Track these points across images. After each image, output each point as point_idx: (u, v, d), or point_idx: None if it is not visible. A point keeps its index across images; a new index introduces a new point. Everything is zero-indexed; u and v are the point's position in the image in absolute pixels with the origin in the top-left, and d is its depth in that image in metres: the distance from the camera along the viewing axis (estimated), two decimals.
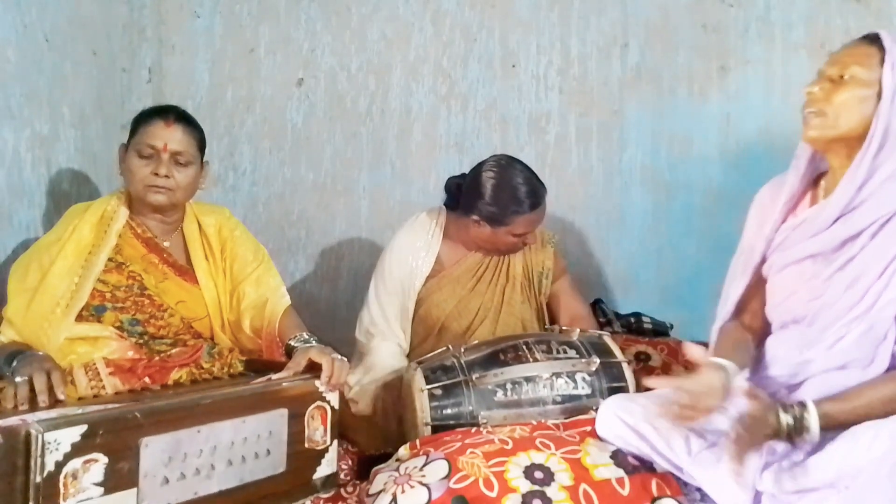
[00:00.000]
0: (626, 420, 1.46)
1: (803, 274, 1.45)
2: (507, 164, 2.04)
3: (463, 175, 2.11)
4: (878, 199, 1.37)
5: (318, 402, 1.53)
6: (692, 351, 1.36)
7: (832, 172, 1.47)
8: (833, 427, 1.27)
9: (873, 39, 1.40)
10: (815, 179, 1.54)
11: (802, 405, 1.28)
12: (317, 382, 1.54)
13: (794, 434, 1.27)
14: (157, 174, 1.71)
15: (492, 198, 1.98)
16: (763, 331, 1.56)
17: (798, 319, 1.46)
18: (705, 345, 2.08)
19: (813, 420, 1.26)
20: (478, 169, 2.06)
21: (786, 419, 1.27)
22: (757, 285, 1.56)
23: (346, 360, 1.61)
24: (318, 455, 1.53)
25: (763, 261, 1.54)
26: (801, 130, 1.45)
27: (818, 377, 1.38)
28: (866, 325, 1.34)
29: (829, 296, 1.40)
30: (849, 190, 1.38)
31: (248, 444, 1.41)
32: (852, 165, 1.39)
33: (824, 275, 1.41)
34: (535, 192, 2.00)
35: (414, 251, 2.08)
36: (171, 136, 1.73)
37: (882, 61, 1.36)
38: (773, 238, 1.52)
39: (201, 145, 1.83)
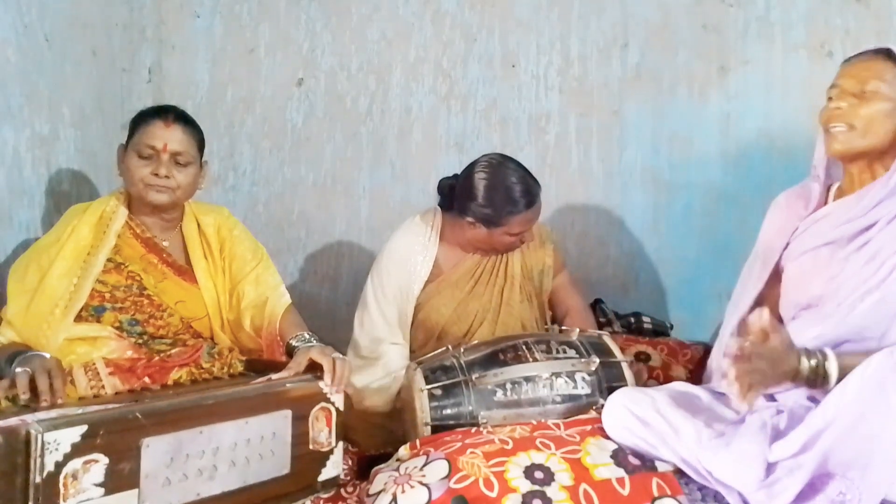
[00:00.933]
0: (634, 410, 1.47)
1: (819, 259, 1.53)
2: (498, 164, 1.99)
3: (455, 176, 2.08)
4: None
5: (323, 404, 1.52)
6: (757, 318, 1.35)
7: (850, 177, 1.55)
8: None
9: (886, 54, 1.48)
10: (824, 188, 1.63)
11: (824, 353, 1.33)
12: (321, 384, 1.53)
13: (812, 380, 1.32)
14: (156, 174, 1.71)
15: (485, 199, 1.95)
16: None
17: (812, 303, 1.52)
18: (703, 345, 2.10)
19: (833, 368, 1.31)
20: (469, 170, 2.02)
21: (807, 363, 1.32)
22: (771, 283, 1.63)
23: (347, 359, 1.61)
24: (323, 457, 1.53)
25: (781, 257, 1.62)
26: (824, 141, 1.54)
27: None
28: (879, 296, 1.40)
29: (845, 274, 1.47)
30: (880, 194, 1.47)
31: (252, 445, 1.40)
32: (889, 172, 1.47)
33: (840, 256, 1.49)
34: (529, 190, 1.97)
35: (412, 255, 2.05)
36: (170, 137, 1.72)
37: None
38: (792, 233, 1.61)
39: (201, 145, 1.82)
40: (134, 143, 1.74)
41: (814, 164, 1.62)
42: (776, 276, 1.63)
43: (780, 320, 1.61)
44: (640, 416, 1.46)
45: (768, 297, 1.64)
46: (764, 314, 1.32)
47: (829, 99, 1.53)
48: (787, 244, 1.62)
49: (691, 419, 1.43)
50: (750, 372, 1.26)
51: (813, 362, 1.32)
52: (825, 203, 1.62)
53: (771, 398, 1.47)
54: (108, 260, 1.71)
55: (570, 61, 2.62)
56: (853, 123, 1.47)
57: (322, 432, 1.52)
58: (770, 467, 1.31)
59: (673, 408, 1.46)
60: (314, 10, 2.69)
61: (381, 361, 1.98)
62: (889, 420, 1.22)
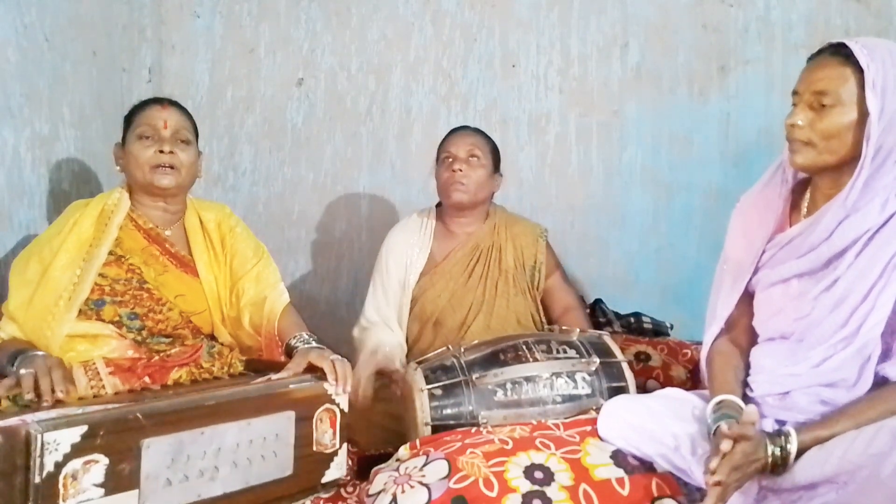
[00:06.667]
0: (630, 420, 1.46)
1: (790, 292, 1.45)
2: None
3: None
4: (861, 215, 1.36)
5: (327, 405, 1.52)
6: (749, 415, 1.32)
7: (818, 188, 1.46)
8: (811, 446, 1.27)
9: (845, 55, 1.35)
10: (794, 187, 1.53)
11: (787, 436, 1.27)
12: (326, 385, 1.53)
13: (778, 464, 1.26)
14: (162, 151, 1.73)
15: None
16: (751, 343, 1.56)
17: (785, 335, 1.46)
18: (700, 344, 2.09)
19: (793, 450, 1.26)
20: None
21: (772, 449, 1.26)
22: (743, 300, 1.56)
23: (346, 360, 1.61)
24: (327, 459, 1.52)
25: (752, 276, 1.54)
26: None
27: (805, 389, 1.38)
28: (854, 349, 1.33)
29: (815, 315, 1.39)
30: (839, 214, 1.37)
31: (254, 446, 1.40)
32: (844, 190, 1.36)
33: (811, 294, 1.40)
34: (471, 127, 2.21)
35: (408, 248, 2.13)
36: (168, 116, 1.77)
37: (858, 80, 1.33)
38: (761, 255, 1.52)
39: (196, 130, 1.86)
40: (133, 129, 1.76)
41: (781, 165, 1.52)
42: (747, 293, 1.56)
43: (755, 336, 1.55)
44: (636, 425, 1.44)
45: (742, 313, 1.57)
46: (732, 430, 1.27)
47: (793, 104, 1.42)
48: (756, 267, 1.52)
49: (687, 430, 1.40)
50: (727, 485, 1.23)
51: (777, 448, 1.26)
52: (790, 212, 1.52)
53: (780, 397, 1.43)
54: (109, 253, 1.71)
55: (570, 61, 2.62)
56: (812, 140, 1.37)
57: (326, 434, 1.51)
58: (761, 491, 1.29)
59: (669, 418, 1.44)
60: (314, 10, 2.69)
61: (363, 344, 2.04)
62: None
